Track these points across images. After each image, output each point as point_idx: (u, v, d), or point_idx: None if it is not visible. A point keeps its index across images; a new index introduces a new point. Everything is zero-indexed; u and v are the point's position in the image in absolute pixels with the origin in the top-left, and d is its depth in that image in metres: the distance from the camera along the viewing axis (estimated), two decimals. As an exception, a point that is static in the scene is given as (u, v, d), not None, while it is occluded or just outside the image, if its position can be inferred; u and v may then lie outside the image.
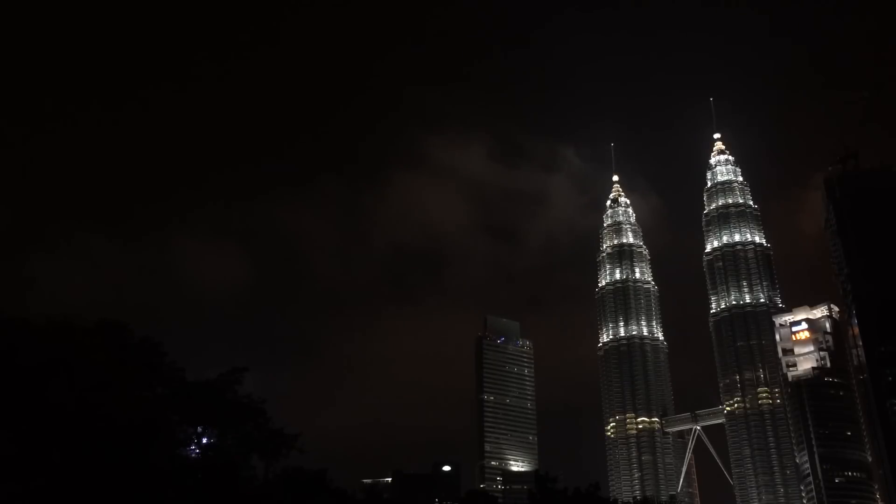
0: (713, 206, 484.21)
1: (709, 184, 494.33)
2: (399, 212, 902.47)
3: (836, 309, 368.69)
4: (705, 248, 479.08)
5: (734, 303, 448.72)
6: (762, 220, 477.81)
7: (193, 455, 61.55)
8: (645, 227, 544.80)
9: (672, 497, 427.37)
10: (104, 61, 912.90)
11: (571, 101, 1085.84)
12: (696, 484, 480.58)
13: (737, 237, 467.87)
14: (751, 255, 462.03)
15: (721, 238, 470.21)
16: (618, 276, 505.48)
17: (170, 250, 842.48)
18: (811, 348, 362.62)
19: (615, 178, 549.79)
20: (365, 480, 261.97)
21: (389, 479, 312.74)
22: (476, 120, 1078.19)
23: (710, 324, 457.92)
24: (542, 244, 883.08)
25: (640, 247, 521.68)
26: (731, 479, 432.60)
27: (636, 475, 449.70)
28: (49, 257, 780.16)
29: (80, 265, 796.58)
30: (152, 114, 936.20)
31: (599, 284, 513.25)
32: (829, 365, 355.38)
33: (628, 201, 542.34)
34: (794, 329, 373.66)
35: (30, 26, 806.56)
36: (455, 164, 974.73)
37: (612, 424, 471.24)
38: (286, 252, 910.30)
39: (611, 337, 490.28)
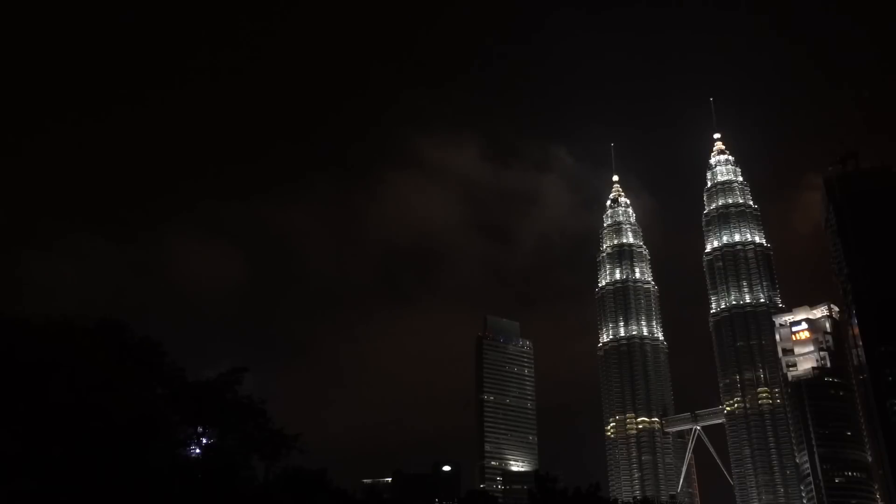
0: (713, 206, 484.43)
1: (709, 184, 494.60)
2: (392, 212, 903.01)
3: (836, 309, 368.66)
4: (705, 248, 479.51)
5: (734, 303, 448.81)
6: (762, 220, 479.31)
7: (193, 455, 61.47)
8: (645, 227, 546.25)
9: (672, 497, 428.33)
10: (98, 61, 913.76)
11: (567, 102, 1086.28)
12: (696, 484, 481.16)
13: (737, 237, 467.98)
14: (751, 255, 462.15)
15: (721, 238, 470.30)
16: (618, 276, 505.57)
17: (163, 249, 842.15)
18: (811, 348, 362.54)
19: (615, 177, 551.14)
20: (365, 480, 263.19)
21: (389, 479, 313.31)
22: (469, 120, 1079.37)
23: (710, 324, 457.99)
24: (536, 244, 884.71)
25: (640, 247, 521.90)
26: (731, 479, 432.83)
27: (636, 475, 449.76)
28: (42, 256, 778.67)
29: (74, 264, 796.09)
30: (147, 113, 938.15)
31: (599, 284, 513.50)
32: (829, 365, 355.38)
33: (628, 201, 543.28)
34: (794, 329, 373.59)
35: (25, 26, 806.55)
36: (448, 164, 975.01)
37: (612, 424, 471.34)
38: (280, 252, 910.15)
39: (611, 337, 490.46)
